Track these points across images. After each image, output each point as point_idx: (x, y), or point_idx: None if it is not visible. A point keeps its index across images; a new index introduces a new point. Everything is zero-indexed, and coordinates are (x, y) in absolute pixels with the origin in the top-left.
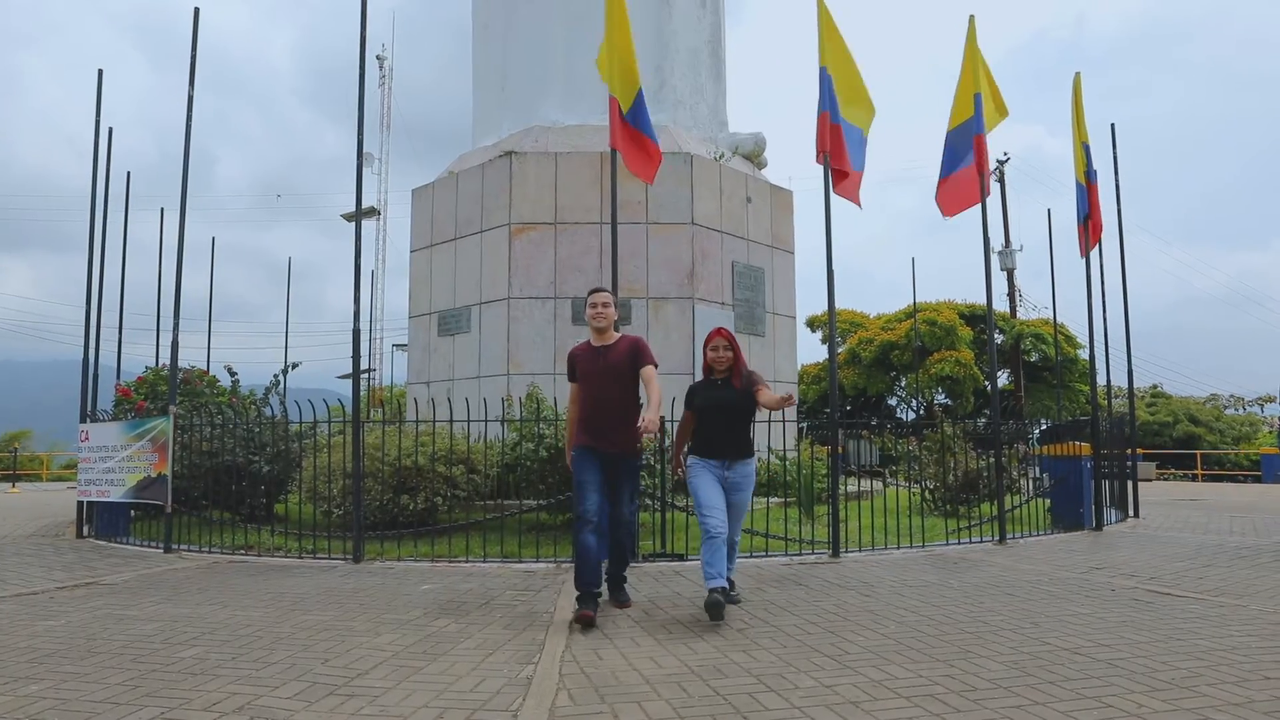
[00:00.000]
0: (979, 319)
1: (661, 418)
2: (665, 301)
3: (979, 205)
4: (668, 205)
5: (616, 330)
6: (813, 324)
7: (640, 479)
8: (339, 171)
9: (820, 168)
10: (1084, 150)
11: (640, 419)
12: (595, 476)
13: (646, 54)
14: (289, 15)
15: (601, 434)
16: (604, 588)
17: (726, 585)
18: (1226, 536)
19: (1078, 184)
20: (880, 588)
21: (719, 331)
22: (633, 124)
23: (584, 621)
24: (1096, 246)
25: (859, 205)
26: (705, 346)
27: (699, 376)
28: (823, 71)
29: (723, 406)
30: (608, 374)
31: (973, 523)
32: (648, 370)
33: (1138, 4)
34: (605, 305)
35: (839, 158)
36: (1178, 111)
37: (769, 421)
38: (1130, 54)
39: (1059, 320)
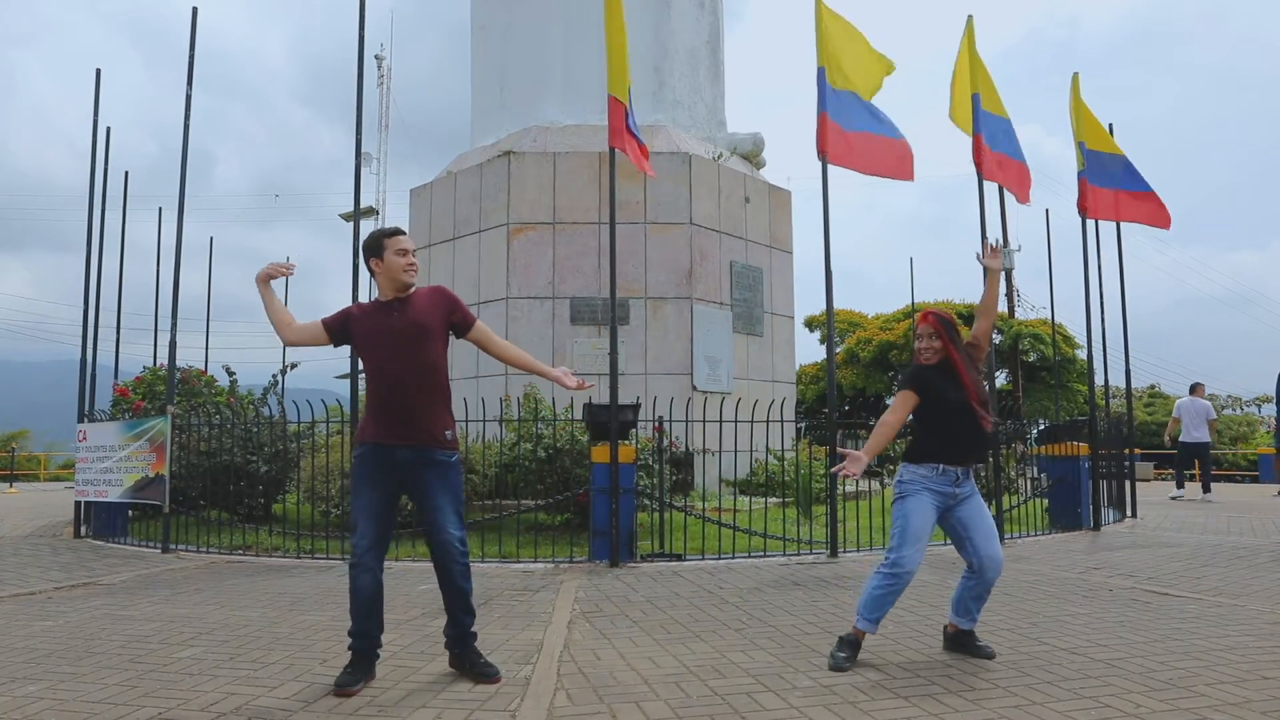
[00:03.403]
0: None
1: (660, 418)
2: (663, 302)
3: (977, 206)
4: (666, 205)
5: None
6: (811, 324)
7: (462, 487)
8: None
9: (819, 168)
10: (1080, 149)
11: (564, 377)
12: (374, 495)
13: (645, 54)
14: (286, 15)
15: (396, 423)
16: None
17: (967, 627)
18: (1224, 536)
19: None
20: None
21: (924, 317)
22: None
23: (342, 696)
24: (1095, 241)
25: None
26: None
27: (698, 377)
28: (821, 72)
29: (967, 407)
30: (404, 336)
31: None
32: (483, 329)
33: (1133, 3)
34: (415, 254)
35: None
36: (1175, 111)
37: (766, 422)
38: (1126, 54)
39: (1057, 320)
